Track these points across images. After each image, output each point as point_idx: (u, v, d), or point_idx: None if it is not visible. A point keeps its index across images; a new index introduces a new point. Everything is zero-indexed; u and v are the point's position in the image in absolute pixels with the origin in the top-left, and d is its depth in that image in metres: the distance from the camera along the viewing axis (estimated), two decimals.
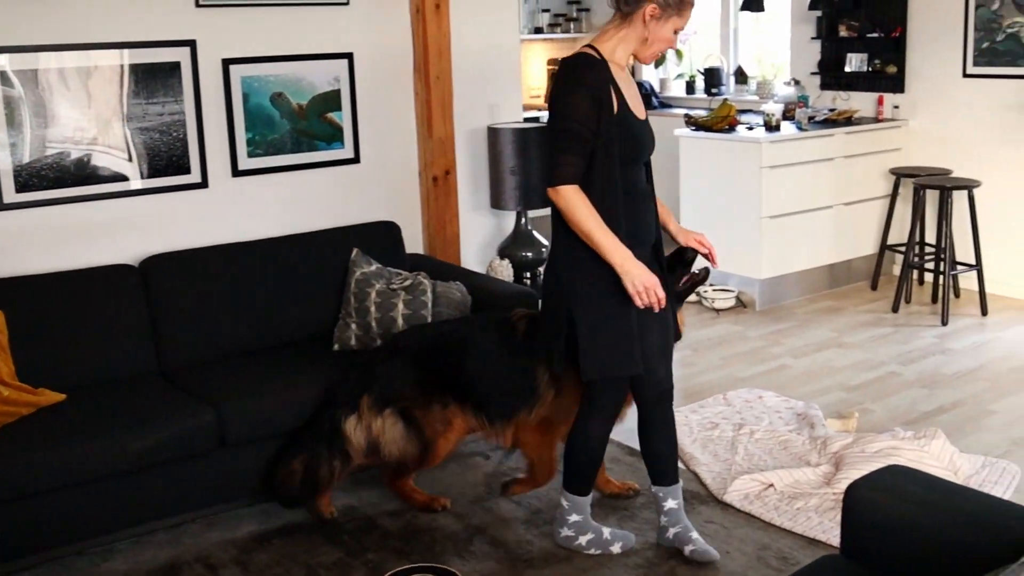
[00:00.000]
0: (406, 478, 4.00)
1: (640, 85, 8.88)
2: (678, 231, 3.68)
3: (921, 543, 2.49)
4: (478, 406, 3.87)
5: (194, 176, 4.53)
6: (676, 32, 3.29)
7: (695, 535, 3.63)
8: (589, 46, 3.32)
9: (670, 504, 3.64)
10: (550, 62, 9.63)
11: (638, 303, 3.23)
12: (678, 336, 3.66)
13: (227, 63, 4.58)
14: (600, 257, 3.23)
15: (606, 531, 3.67)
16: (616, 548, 3.64)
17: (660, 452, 3.61)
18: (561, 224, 3.33)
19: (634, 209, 3.35)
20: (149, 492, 3.67)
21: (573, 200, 3.20)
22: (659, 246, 3.53)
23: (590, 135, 3.20)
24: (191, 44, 4.46)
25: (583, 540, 3.64)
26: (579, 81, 3.23)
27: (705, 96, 8.80)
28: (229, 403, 3.78)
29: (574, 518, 3.64)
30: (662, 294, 3.24)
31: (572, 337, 3.39)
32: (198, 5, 4.47)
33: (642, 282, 3.20)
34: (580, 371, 3.38)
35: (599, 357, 3.34)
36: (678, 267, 3.71)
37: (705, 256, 3.63)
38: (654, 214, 3.48)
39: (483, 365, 3.86)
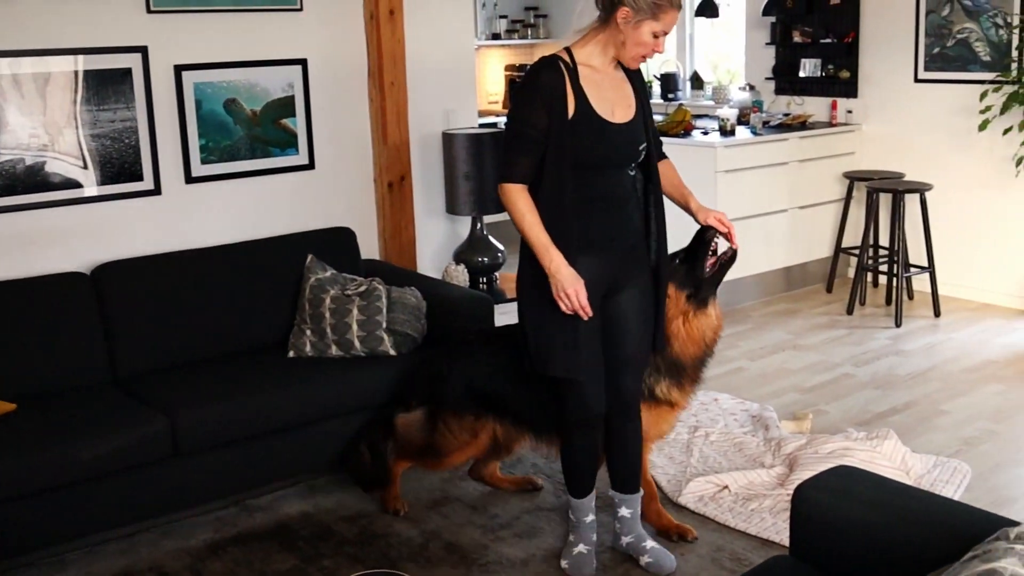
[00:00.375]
0: (402, 462, 4.07)
1: None
2: (698, 209, 3.58)
3: (868, 543, 2.52)
4: (522, 420, 3.86)
5: (147, 183, 4.50)
6: (656, 36, 3.22)
7: (650, 544, 3.62)
8: (566, 48, 3.33)
9: (623, 512, 3.65)
10: (508, 68, 9.65)
11: (563, 308, 3.23)
12: (710, 339, 3.71)
13: (179, 69, 4.55)
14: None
15: (582, 548, 3.62)
16: (564, 563, 3.62)
17: (619, 463, 3.61)
18: None
19: (600, 215, 3.32)
20: (102, 502, 3.63)
21: (513, 199, 3.26)
22: (660, 254, 3.48)
23: (538, 137, 3.22)
24: (143, 50, 4.43)
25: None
26: (532, 84, 3.26)
27: (662, 101, 8.85)
28: (183, 411, 3.75)
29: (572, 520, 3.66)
30: (584, 303, 3.22)
31: None
32: (149, 11, 4.45)
33: (564, 287, 3.21)
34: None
35: (540, 355, 3.38)
36: (699, 249, 3.60)
37: (725, 236, 3.55)
38: (634, 221, 3.42)
39: (515, 379, 3.75)
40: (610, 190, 3.34)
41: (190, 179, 4.64)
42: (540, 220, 3.24)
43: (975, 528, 2.29)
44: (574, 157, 3.23)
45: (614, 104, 3.32)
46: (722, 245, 3.63)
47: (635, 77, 3.44)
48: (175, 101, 4.57)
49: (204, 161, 4.67)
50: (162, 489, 3.75)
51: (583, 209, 3.30)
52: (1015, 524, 2.13)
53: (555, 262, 3.22)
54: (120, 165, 4.42)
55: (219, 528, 3.92)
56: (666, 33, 3.25)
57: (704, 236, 3.60)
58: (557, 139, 3.21)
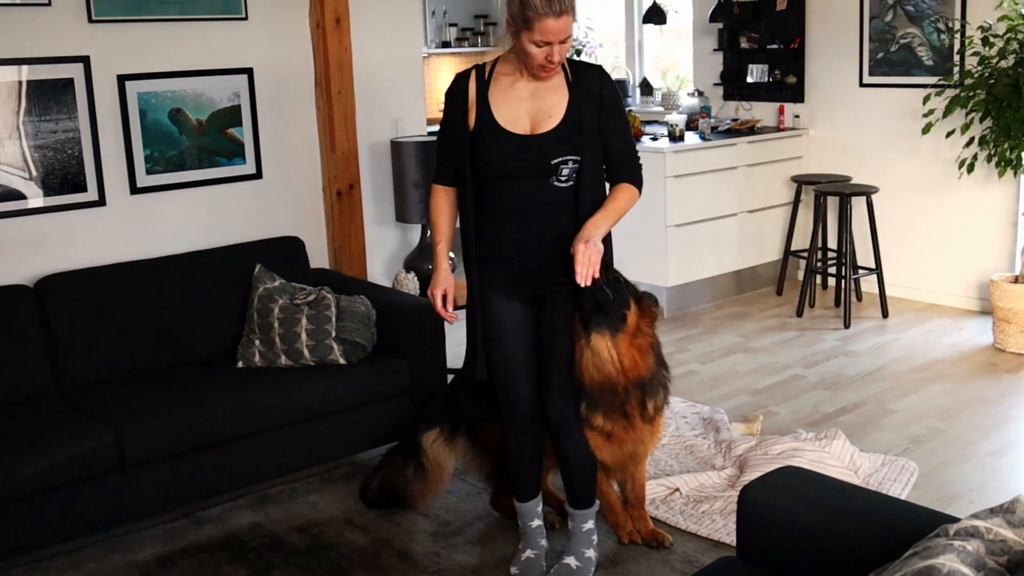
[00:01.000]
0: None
1: None
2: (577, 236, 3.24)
3: (812, 542, 2.54)
4: None
5: (91, 194, 4.46)
6: (538, 45, 3.09)
7: (567, 559, 3.58)
8: (497, 58, 3.35)
9: (569, 523, 3.67)
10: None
11: (435, 307, 3.44)
12: (627, 377, 3.37)
13: (122, 79, 4.52)
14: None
15: (530, 553, 3.63)
16: (514, 568, 3.62)
17: (563, 477, 3.64)
18: None
19: (511, 225, 3.30)
20: (47, 516, 3.58)
21: (430, 198, 3.48)
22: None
23: (445, 143, 3.41)
24: (84, 60, 4.39)
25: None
26: (446, 94, 3.37)
27: None
28: (128, 423, 3.71)
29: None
30: (439, 306, 3.42)
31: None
32: (91, 20, 4.41)
33: (431, 287, 3.43)
34: None
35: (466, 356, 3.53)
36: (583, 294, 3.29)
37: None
38: (557, 233, 3.28)
39: None
40: (523, 201, 3.27)
41: (135, 190, 4.60)
42: (443, 221, 3.45)
43: (917, 525, 2.31)
44: (476, 166, 3.28)
45: (528, 115, 3.25)
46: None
47: (584, 87, 3.28)
48: (119, 111, 4.53)
49: (149, 171, 4.64)
50: (109, 502, 3.70)
51: (494, 218, 3.32)
52: (955, 520, 2.16)
53: (435, 262, 3.46)
54: (63, 176, 4.37)
55: (168, 541, 3.89)
56: (549, 43, 3.09)
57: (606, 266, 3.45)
58: (460, 148, 3.31)
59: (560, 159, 3.23)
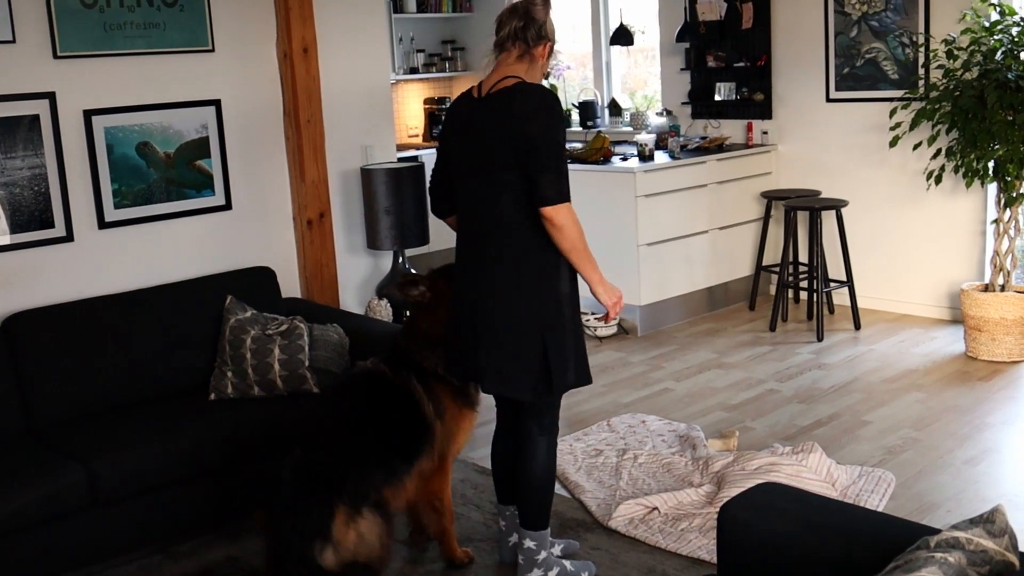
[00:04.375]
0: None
1: None
2: None
3: (793, 558, 2.53)
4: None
5: (58, 230, 4.43)
6: None
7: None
8: (517, 78, 3.38)
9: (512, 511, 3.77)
10: (426, 101, 9.66)
11: (612, 315, 3.51)
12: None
13: (89, 114, 4.50)
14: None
15: (568, 564, 3.64)
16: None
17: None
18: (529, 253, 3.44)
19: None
20: (19, 555, 3.53)
21: (575, 216, 3.34)
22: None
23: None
24: (50, 96, 4.37)
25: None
26: (560, 109, 3.40)
27: (581, 129, 8.93)
28: (100, 459, 3.68)
29: (542, 556, 3.57)
30: (622, 305, 3.54)
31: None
32: (56, 56, 4.39)
33: (619, 295, 3.51)
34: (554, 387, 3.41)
35: (570, 371, 3.44)
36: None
37: None
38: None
39: (387, 420, 3.55)
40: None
41: (103, 224, 4.57)
42: None
43: (897, 538, 2.31)
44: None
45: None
46: None
47: None
48: (85, 146, 4.50)
49: (118, 206, 4.61)
50: (82, 539, 3.66)
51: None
52: (935, 532, 2.16)
53: (602, 275, 3.45)
54: (30, 213, 4.34)
55: None
56: None
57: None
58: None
59: None
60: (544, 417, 3.52)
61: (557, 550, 3.76)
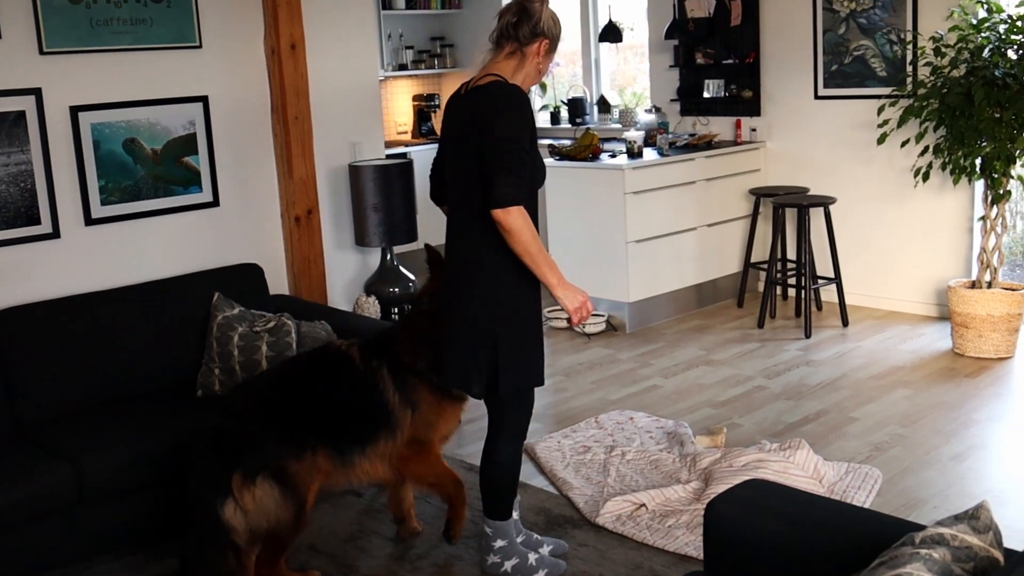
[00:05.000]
0: (279, 558, 3.55)
1: None
2: None
3: (779, 554, 2.54)
4: (334, 445, 3.57)
5: (44, 226, 4.41)
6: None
7: (538, 537, 3.79)
8: (497, 75, 3.37)
9: (514, 515, 3.74)
10: (415, 98, 9.65)
11: (575, 319, 3.43)
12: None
13: (75, 110, 4.48)
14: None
15: (532, 556, 3.67)
16: (541, 574, 3.65)
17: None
18: (484, 252, 3.41)
19: (446, 236, 3.50)
20: (6, 553, 3.53)
21: (525, 221, 3.26)
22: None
23: (526, 163, 3.29)
24: (36, 92, 4.36)
25: (508, 566, 3.65)
26: (522, 105, 3.34)
27: (570, 126, 8.92)
28: (87, 457, 3.67)
29: (499, 544, 3.64)
30: (591, 307, 3.45)
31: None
32: (42, 52, 4.37)
33: (580, 299, 3.41)
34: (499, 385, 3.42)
35: (538, 369, 3.49)
36: None
37: None
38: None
39: (328, 399, 3.61)
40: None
41: (90, 221, 4.56)
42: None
43: (883, 534, 2.32)
44: (532, 180, 3.37)
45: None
46: None
47: None
48: (72, 143, 4.49)
49: (104, 202, 4.60)
50: (68, 537, 3.66)
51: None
52: (921, 528, 2.17)
53: (563, 279, 3.34)
54: (16, 209, 4.33)
55: (129, 575, 3.83)
56: None
57: None
58: (532, 161, 3.32)
59: None
60: (507, 417, 3.54)
61: (546, 550, 3.76)
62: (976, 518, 2.07)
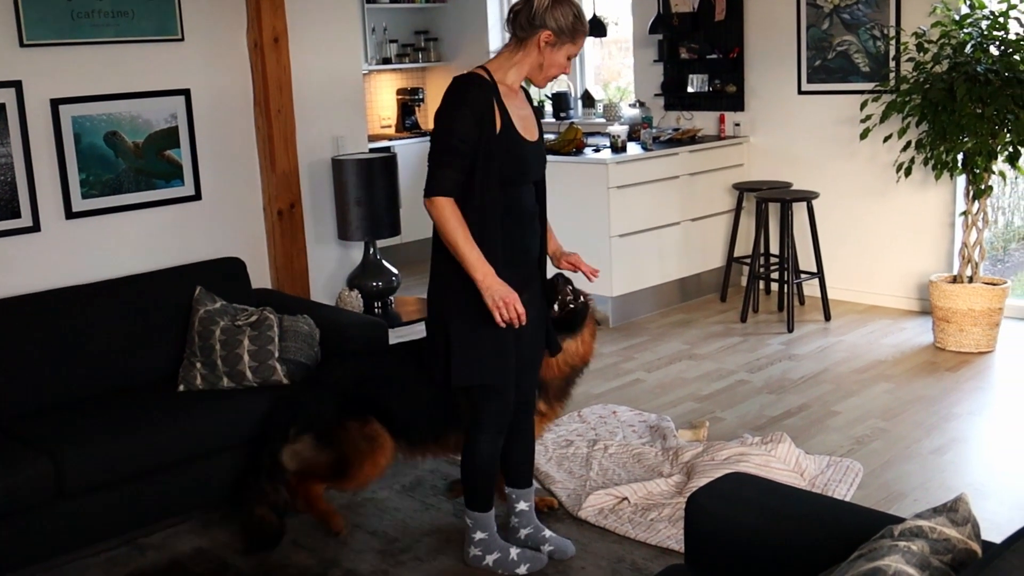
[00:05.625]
0: (316, 485, 4.00)
1: None
2: (553, 254, 3.75)
3: (759, 548, 2.55)
4: (400, 431, 3.95)
5: (25, 220, 4.39)
6: (569, 58, 3.38)
7: (548, 534, 3.79)
8: (482, 67, 3.39)
9: (522, 506, 3.79)
10: (399, 92, 9.64)
11: (497, 318, 3.27)
12: (584, 361, 4.08)
13: (56, 103, 4.45)
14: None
15: (514, 551, 3.67)
16: (522, 569, 3.65)
17: (517, 458, 3.77)
18: (439, 239, 3.39)
19: (516, 229, 3.42)
20: None
21: (445, 212, 3.26)
22: (543, 265, 3.65)
23: (467, 150, 3.26)
24: (16, 85, 4.33)
25: (490, 560, 3.66)
26: (463, 99, 3.29)
27: (554, 120, 8.92)
28: (67, 451, 3.64)
29: (479, 536, 3.67)
30: (521, 309, 3.28)
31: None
32: (23, 44, 4.34)
33: (501, 297, 3.26)
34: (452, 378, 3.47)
35: (467, 365, 3.42)
36: (551, 296, 3.81)
37: (585, 273, 3.72)
38: (539, 235, 3.57)
39: (403, 394, 3.96)
40: (523, 205, 3.45)
41: (71, 214, 4.53)
42: (467, 232, 3.28)
43: (862, 527, 2.33)
44: (500, 172, 3.31)
45: (526, 123, 3.43)
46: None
47: (532, 104, 3.56)
48: (52, 136, 4.46)
49: (85, 196, 4.57)
50: (47, 533, 3.62)
51: (505, 223, 3.39)
52: (899, 521, 2.18)
53: (487, 275, 3.27)
54: None
55: (109, 569, 3.80)
56: (574, 56, 3.41)
57: (556, 287, 3.85)
58: (486, 153, 3.27)
59: (545, 164, 3.58)
60: (480, 411, 3.55)
61: (546, 548, 3.75)
62: (954, 511, 2.07)
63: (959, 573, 1.87)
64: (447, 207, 3.26)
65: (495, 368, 3.44)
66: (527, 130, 3.41)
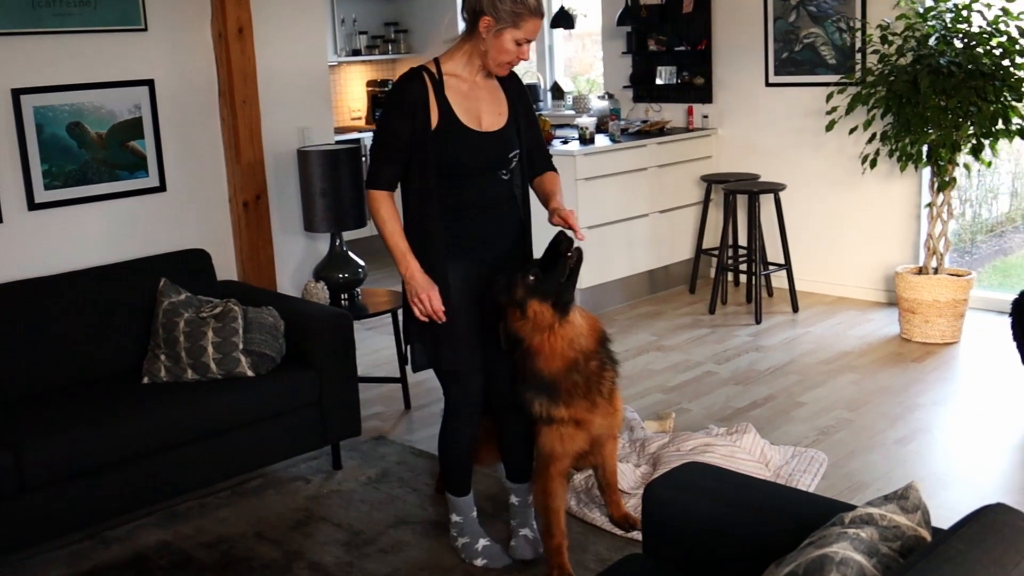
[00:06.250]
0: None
1: None
2: (552, 211, 3.50)
3: (716, 536, 2.56)
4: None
5: None
6: (519, 43, 3.29)
7: (524, 532, 3.76)
8: (435, 59, 3.41)
9: (512, 499, 3.80)
10: (369, 84, 9.61)
11: (416, 312, 3.35)
12: (584, 344, 3.51)
13: (17, 93, 4.41)
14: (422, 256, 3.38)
15: (482, 542, 3.70)
16: (479, 562, 3.67)
17: (509, 455, 3.77)
18: None
19: (466, 221, 3.41)
20: None
21: (376, 206, 3.38)
22: (521, 251, 3.59)
23: (400, 146, 3.33)
24: None
25: (459, 542, 3.73)
26: (397, 95, 3.35)
27: None
28: (28, 444, 3.60)
29: (455, 518, 3.76)
30: (438, 306, 3.34)
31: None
32: None
33: (417, 292, 3.34)
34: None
35: (430, 352, 3.50)
36: (557, 257, 3.37)
37: (572, 231, 3.43)
38: (513, 224, 3.54)
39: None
40: (481, 196, 3.42)
41: (33, 206, 4.50)
42: (400, 227, 3.38)
43: (815, 515, 2.34)
44: (439, 165, 3.33)
45: (482, 113, 3.40)
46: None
47: (511, 86, 3.51)
48: (14, 126, 4.42)
49: (48, 187, 4.54)
50: (9, 526, 3.58)
51: (455, 215, 3.39)
52: (852, 508, 2.20)
53: (409, 269, 3.34)
54: None
55: (73, 563, 3.79)
56: (529, 41, 3.30)
57: (559, 247, 3.40)
58: (420, 148, 3.31)
59: (513, 152, 3.46)
60: (446, 394, 3.66)
61: (511, 546, 3.75)
62: (905, 498, 2.10)
63: (907, 559, 1.89)
64: (380, 200, 3.37)
65: (449, 355, 3.47)
66: (479, 120, 3.38)
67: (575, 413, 3.46)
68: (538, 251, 3.56)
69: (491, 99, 3.44)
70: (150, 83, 4.84)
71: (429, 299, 3.33)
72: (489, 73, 3.43)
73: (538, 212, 3.63)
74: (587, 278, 6.73)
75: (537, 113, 8.43)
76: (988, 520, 1.86)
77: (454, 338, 3.46)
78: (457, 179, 3.37)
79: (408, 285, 3.36)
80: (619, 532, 3.87)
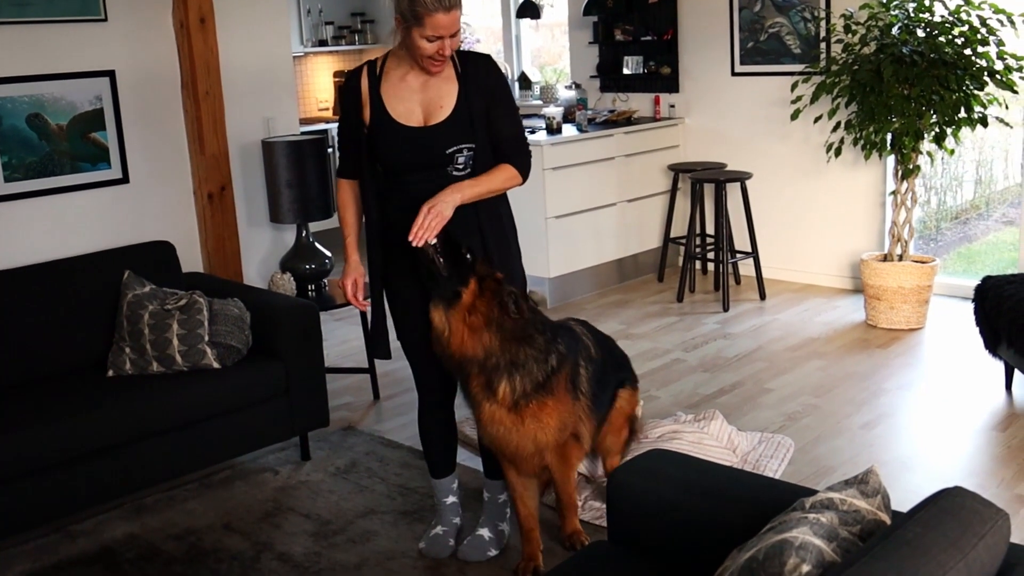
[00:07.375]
0: None
1: None
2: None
3: (679, 523, 2.58)
4: None
5: None
6: (431, 41, 3.17)
7: (479, 532, 3.73)
8: (386, 53, 3.43)
9: (484, 494, 3.82)
10: (336, 74, 9.57)
11: (347, 297, 3.56)
12: (460, 349, 3.26)
13: None
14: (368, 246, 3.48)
15: (439, 528, 3.74)
16: (420, 544, 3.73)
17: (486, 451, 3.63)
18: None
19: (401, 216, 3.32)
20: None
21: (337, 192, 3.57)
22: (483, 250, 3.42)
23: (346, 139, 3.49)
24: None
25: (433, 520, 3.84)
26: (340, 90, 3.43)
27: None
28: None
29: (435, 498, 3.83)
30: (354, 294, 3.54)
31: None
32: None
33: (344, 276, 3.56)
34: None
35: (374, 338, 3.66)
36: (455, 253, 3.22)
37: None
38: (460, 221, 3.31)
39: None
40: (424, 191, 3.27)
41: None
42: (351, 214, 3.54)
43: (777, 501, 2.36)
44: (378, 160, 3.40)
45: (420, 107, 3.32)
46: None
47: (474, 78, 3.32)
48: None
49: (8, 179, 4.50)
50: None
51: (402, 210, 3.33)
52: (813, 493, 2.21)
53: (348, 255, 3.54)
54: None
55: (38, 557, 3.77)
56: (441, 37, 3.16)
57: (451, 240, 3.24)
58: (357, 144, 3.43)
59: (455, 148, 3.30)
60: None
61: (484, 532, 3.73)
62: (865, 483, 2.11)
63: (866, 542, 1.91)
64: (340, 187, 3.55)
65: (401, 340, 3.57)
66: (412, 116, 3.31)
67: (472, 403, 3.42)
68: (524, 245, 3.71)
69: (433, 93, 3.32)
70: (111, 74, 4.80)
71: (352, 284, 3.53)
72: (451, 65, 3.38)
73: (519, 208, 3.65)
74: (555, 267, 6.75)
75: None
76: (946, 503, 1.88)
77: (399, 324, 3.54)
78: (398, 174, 3.35)
79: (343, 274, 3.57)
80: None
